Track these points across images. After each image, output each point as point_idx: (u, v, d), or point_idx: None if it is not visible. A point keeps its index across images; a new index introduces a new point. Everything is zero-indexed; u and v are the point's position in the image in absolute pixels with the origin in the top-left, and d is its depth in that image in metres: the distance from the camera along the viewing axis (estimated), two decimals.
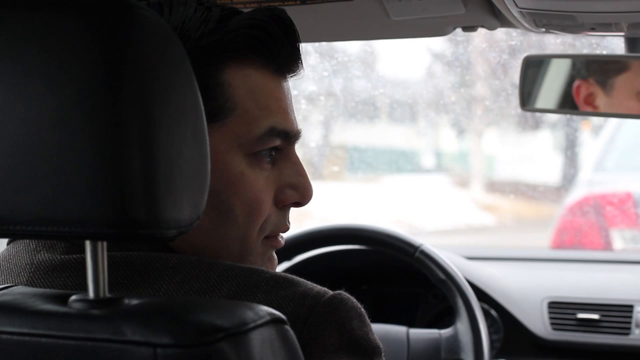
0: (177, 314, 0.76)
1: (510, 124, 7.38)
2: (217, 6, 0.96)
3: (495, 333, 1.99)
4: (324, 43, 2.99)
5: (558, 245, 4.38)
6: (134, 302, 0.78)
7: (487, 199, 8.00)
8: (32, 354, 0.76)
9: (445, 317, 2.03)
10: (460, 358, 1.78)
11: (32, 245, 0.95)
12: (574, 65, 1.57)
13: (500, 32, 3.07)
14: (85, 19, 0.73)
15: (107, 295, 0.78)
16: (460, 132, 7.92)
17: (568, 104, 1.57)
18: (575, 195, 4.63)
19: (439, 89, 6.12)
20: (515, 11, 1.37)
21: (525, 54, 1.59)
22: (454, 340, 1.80)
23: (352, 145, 7.02)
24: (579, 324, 1.99)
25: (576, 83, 1.55)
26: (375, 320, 1.57)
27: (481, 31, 1.55)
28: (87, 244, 0.77)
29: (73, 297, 0.78)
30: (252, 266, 0.92)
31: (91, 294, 0.77)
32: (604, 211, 4.38)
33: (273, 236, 1.01)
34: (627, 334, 1.96)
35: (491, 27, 1.53)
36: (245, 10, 0.98)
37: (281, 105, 0.98)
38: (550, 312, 2.01)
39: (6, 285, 0.86)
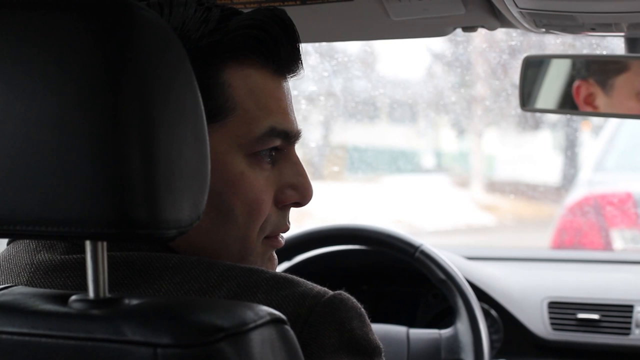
0: (177, 314, 0.76)
1: (510, 124, 7.38)
2: (217, 6, 0.96)
3: (495, 333, 1.99)
4: (324, 43, 2.99)
5: (558, 245, 4.38)
6: (134, 302, 0.78)
7: (487, 199, 8.00)
8: (32, 354, 0.76)
9: (445, 317, 2.03)
10: (460, 358, 1.78)
11: (32, 245, 0.95)
12: (574, 66, 1.57)
13: (500, 33, 3.07)
14: (85, 19, 0.73)
15: (107, 295, 0.78)
16: (460, 132, 7.92)
17: (568, 104, 1.57)
18: (575, 195, 4.63)
19: (439, 89, 6.12)
20: (515, 11, 1.37)
21: (525, 54, 1.60)
22: (454, 340, 1.80)
23: (352, 145, 7.02)
24: (579, 324, 1.99)
25: (576, 83, 1.55)
26: (375, 320, 1.57)
27: (481, 31, 1.55)
28: (87, 244, 0.77)
29: (73, 297, 0.78)
30: (252, 266, 0.92)
31: (91, 294, 0.77)
32: (604, 211, 4.38)
33: (273, 236, 1.01)
34: (627, 334, 1.96)
35: (491, 28, 1.53)
36: (245, 11, 0.98)
37: (281, 106, 0.98)
38: (550, 312, 2.01)
39: (6, 285, 0.86)
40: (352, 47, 4.44)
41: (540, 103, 1.61)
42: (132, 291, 0.88)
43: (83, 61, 0.73)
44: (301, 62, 1.01)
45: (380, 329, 1.83)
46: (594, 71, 1.56)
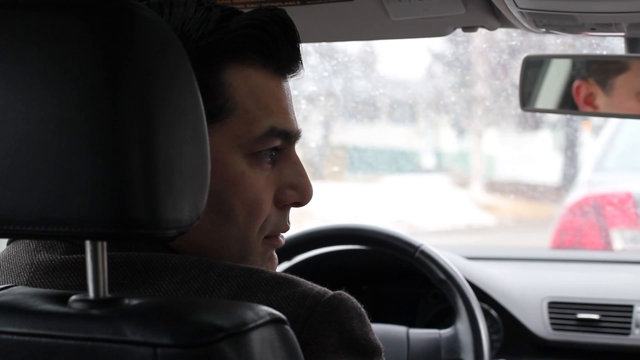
0: (177, 314, 0.76)
1: (510, 124, 7.38)
2: (217, 6, 0.96)
3: (495, 333, 1.99)
4: (324, 43, 2.99)
5: (558, 245, 4.38)
6: (134, 302, 0.78)
7: (487, 199, 8.00)
8: (32, 354, 0.76)
9: (445, 317, 2.03)
10: (460, 358, 1.78)
11: (32, 245, 0.95)
12: (574, 66, 1.57)
13: (500, 33, 3.07)
14: (85, 19, 0.73)
15: (107, 295, 0.78)
16: (460, 132, 7.92)
17: (568, 104, 1.57)
18: (575, 195, 4.63)
19: (439, 89, 6.12)
20: (515, 11, 1.37)
21: (525, 54, 1.59)
22: (454, 340, 1.80)
23: (352, 145, 7.02)
24: (579, 324, 1.99)
25: (576, 83, 1.55)
26: (375, 320, 1.57)
27: (481, 31, 1.55)
28: (87, 244, 0.77)
29: (73, 297, 0.78)
30: (252, 266, 0.92)
31: (91, 294, 0.77)
32: (604, 211, 4.38)
33: (273, 236, 1.01)
34: (627, 334, 1.96)
35: (491, 28, 1.53)
36: (246, 11, 0.98)
37: (281, 106, 0.98)
38: (550, 312, 2.01)
39: (6, 285, 0.86)
40: (352, 47, 4.44)
41: (540, 103, 1.61)
42: (132, 291, 0.88)
43: (83, 61, 0.73)
44: (301, 62, 1.01)
45: (380, 329, 1.83)
46: (594, 71, 1.56)
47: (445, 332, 1.82)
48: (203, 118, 0.78)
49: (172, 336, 0.73)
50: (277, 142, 0.98)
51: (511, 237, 7.26)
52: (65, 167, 0.73)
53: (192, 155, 0.77)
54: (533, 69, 1.59)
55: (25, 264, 0.93)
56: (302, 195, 1.01)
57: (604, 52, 2.67)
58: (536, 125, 7.14)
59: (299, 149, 1.03)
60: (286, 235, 1.05)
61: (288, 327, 0.82)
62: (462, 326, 1.79)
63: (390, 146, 7.76)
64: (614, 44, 2.51)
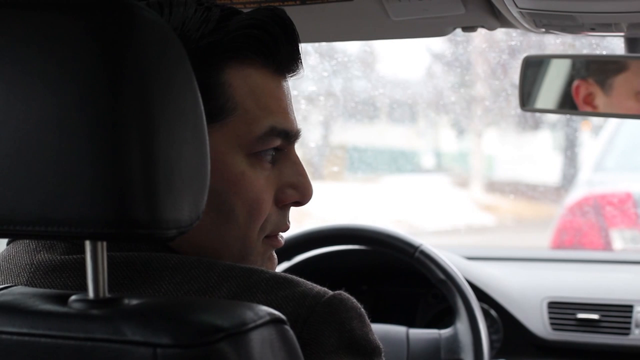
0: (177, 314, 0.76)
1: (510, 124, 7.38)
2: (217, 6, 0.96)
3: (495, 333, 1.99)
4: (323, 43, 2.99)
5: (558, 245, 4.39)
6: (134, 302, 0.78)
7: (487, 199, 8.00)
8: (32, 354, 0.76)
9: (445, 317, 2.03)
10: (460, 358, 1.78)
11: (32, 245, 0.95)
12: (573, 66, 1.57)
13: (500, 33, 3.07)
14: (85, 19, 0.73)
15: (107, 295, 0.78)
16: (460, 132, 7.92)
17: (568, 104, 1.57)
18: (575, 195, 4.64)
19: (439, 89, 6.12)
20: (515, 11, 1.37)
21: (525, 54, 1.59)
22: (454, 341, 1.80)
23: (352, 145, 7.02)
24: (579, 324, 1.99)
25: (575, 83, 1.55)
26: (375, 320, 1.57)
27: (481, 31, 1.55)
28: (87, 244, 0.77)
29: (73, 297, 0.78)
30: (252, 266, 0.92)
31: (91, 294, 0.77)
32: (604, 211, 4.38)
33: (273, 236, 1.01)
34: (627, 334, 1.96)
35: (491, 28, 1.53)
36: (245, 11, 0.98)
37: (281, 105, 0.98)
38: (550, 312, 2.01)
39: (6, 285, 0.86)
40: (352, 47, 4.44)
41: (540, 103, 1.61)
42: (132, 291, 0.88)
43: (83, 61, 0.73)
44: (301, 62, 1.01)
45: (380, 329, 1.83)
46: (594, 71, 1.56)
47: (445, 332, 1.82)
48: (203, 118, 0.78)
49: (172, 336, 0.73)
50: (277, 142, 0.98)
51: (511, 237, 7.26)
52: (65, 167, 0.73)
53: (192, 155, 0.77)
54: (533, 69, 1.59)
55: (25, 264, 0.93)
56: (302, 195, 1.01)
57: (604, 52, 2.67)
58: (536, 125, 7.14)
59: (299, 149, 1.03)
60: (286, 235, 1.05)
61: (288, 327, 0.82)
62: (461, 326, 1.79)
63: (390, 146, 7.76)
64: (614, 44, 2.51)
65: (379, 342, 0.93)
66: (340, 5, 1.42)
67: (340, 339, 0.89)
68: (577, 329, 1.99)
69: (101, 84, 0.72)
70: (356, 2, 1.42)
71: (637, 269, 2.39)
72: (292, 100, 1.02)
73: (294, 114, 1.01)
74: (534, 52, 2.16)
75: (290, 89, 1.01)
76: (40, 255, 0.93)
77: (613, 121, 4.58)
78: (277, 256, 1.05)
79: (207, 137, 0.79)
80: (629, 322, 1.96)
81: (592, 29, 1.45)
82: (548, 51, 3.76)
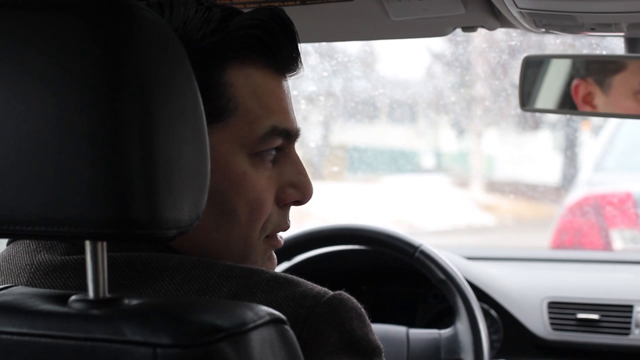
0: (176, 314, 0.76)
1: (510, 124, 7.38)
2: (217, 6, 0.96)
3: (495, 333, 1.99)
4: (323, 43, 2.99)
5: (558, 245, 4.39)
6: (134, 302, 0.78)
7: (487, 199, 8.00)
8: (32, 354, 0.76)
9: (445, 317, 2.03)
10: (460, 358, 1.78)
11: (32, 246, 0.95)
12: (573, 66, 1.57)
13: (500, 33, 3.07)
14: (85, 19, 0.73)
15: (107, 295, 0.78)
16: (460, 132, 7.92)
17: (568, 104, 1.57)
18: (575, 195, 4.64)
19: (439, 89, 6.12)
20: (515, 11, 1.37)
21: (525, 54, 1.59)
22: (454, 341, 1.80)
23: (352, 145, 7.02)
24: (579, 324, 1.99)
25: (575, 82, 1.55)
26: (375, 320, 1.57)
27: (481, 31, 1.55)
28: (87, 244, 0.77)
29: (73, 297, 0.78)
30: (252, 266, 0.93)
31: (91, 294, 0.77)
32: (604, 211, 4.38)
33: (273, 235, 1.01)
34: (627, 334, 1.96)
35: (491, 28, 1.53)
36: (245, 11, 0.98)
37: (282, 105, 0.99)
38: (550, 312, 2.01)
39: (6, 285, 0.86)
40: (352, 47, 4.44)
41: (540, 103, 1.61)
42: (132, 292, 0.88)
43: (83, 61, 0.73)
44: (301, 62, 1.01)
45: (380, 329, 1.83)
46: (593, 70, 1.56)
47: (445, 332, 1.82)
48: (203, 118, 0.78)
49: (172, 336, 0.73)
50: (279, 142, 0.98)
51: (511, 237, 7.26)
52: (65, 167, 0.73)
53: (192, 155, 0.77)
54: (533, 69, 1.59)
55: (25, 265, 0.93)
56: (302, 194, 1.01)
57: (604, 52, 2.67)
58: (536, 125, 7.14)
59: (299, 149, 1.03)
60: (286, 235, 1.05)
61: (288, 327, 0.82)
62: (462, 326, 1.79)
63: (390, 146, 7.77)
64: (614, 44, 2.51)
65: (379, 342, 0.93)
66: (340, 5, 1.42)
67: (341, 339, 0.89)
68: (577, 329, 1.99)
69: (101, 84, 0.72)
70: (356, 2, 1.42)
71: (637, 269, 2.39)
72: (292, 100, 1.02)
73: (294, 113, 1.01)
74: (534, 52, 2.16)
75: (290, 89, 1.02)
76: (41, 256, 0.93)
77: (613, 121, 4.58)
78: (277, 256, 1.05)
79: (207, 137, 0.79)
80: (629, 322, 1.96)
81: (592, 29, 1.45)
82: (548, 51, 3.76)
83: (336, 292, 0.91)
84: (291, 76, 1.01)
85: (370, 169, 7.49)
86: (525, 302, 2.03)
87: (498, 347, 1.99)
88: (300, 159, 1.02)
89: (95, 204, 0.72)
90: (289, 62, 0.99)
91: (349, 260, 2.07)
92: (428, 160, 8.59)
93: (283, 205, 1.01)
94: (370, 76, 5.39)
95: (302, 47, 1.01)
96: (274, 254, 1.03)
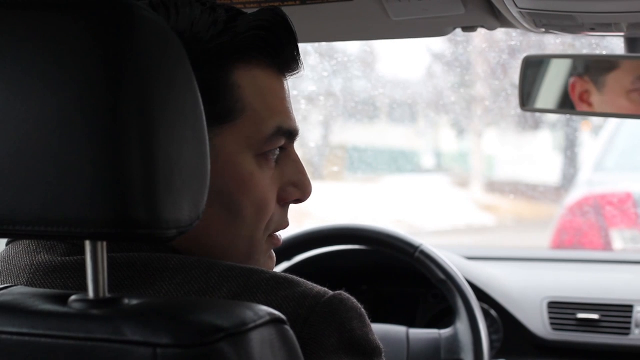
0: (176, 314, 0.76)
1: (510, 124, 7.38)
2: (220, 7, 0.96)
3: (495, 333, 1.99)
4: (323, 43, 2.99)
5: (558, 245, 4.38)
6: (134, 302, 0.78)
7: (487, 199, 8.00)
8: (32, 354, 0.76)
9: (445, 317, 2.03)
10: (460, 358, 1.78)
11: (32, 246, 0.95)
12: (573, 66, 1.57)
13: (500, 33, 3.07)
14: (85, 19, 0.73)
15: (107, 295, 0.78)
16: (460, 132, 7.92)
17: (568, 104, 1.57)
18: (575, 195, 4.63)
19: (439, 89, 6.12)
20: (515, 11, 1.37)
21: (525, 54, 1.59)
22: (454, 341, 1.80)
23: (352, 145, 7.02)
24: (579, 324, 1.99)
25: (571, 80, 1.55)
26: (375, 320, 1.57)
27: (481, 31, 1.55)
28: (87, 244, 0.77)
29: (73, 297, 0.78)
30: (253, 267, 0.93)
31: (91, 294, 0.77)
32: (604, 211, 4.38)
33: (273, 234, 1.02)
34: (627, 334, 1.96)
35: (491, 28, 1.53)
36: (246, 11, 0.98)
37: (285, 105, 1.00)
38: (550, 312, 2.01)
39: (6, 285, 0.86)
40: (352, 47, 4.44)
41: (540, 103, 1.61)
42: (133, 292, 0.88)
43: (83, 61, 0.73)
44: (301, 61, 1.02)
45: (380, 329, 1.83)
46: (588, 68, 1.56)
47: (445, 332, 1.82)
48: (203, 118, 0.79)
49: (172, 336, 0.73)
50: (282, 142, 0.99)
51: (511, 237, 7.26)
52: (65, 167, 0.73)
53: (192, 155, 0.77)
54: (533, 69, 1.59)
55: (25, 265, 0.93)
56: (303, 193, 1.02)
57: (604, 52, 2.67)
58: (536, 125, 7.14)
59: (299, 149, 1.04)
60: (286, 235, 1.06)
61: (288, 327, 0.82)
62: (462, 326, 1.79)
63: (390, 146, 7.77)
64: (614, 44, 2.51)
65: (379, 342, 0.93)
66: (340, 5, 1.42)
67: (341, 339, 0.89)
68: (577, 329, 1.99)
69: (101, 84, 0.72)
70: (356, 2, 1.42)
71: (637, 269, 2.39)
72: (292, 100, 1.03)
73: (294, 112, 1.02)
74: (534, 52, 2.15)
75: (290, 89, 1.03)
76: (41, 257, 0.93)
77: (613, 121, 4.58)
78: (277, 256, 1.06)
79: (207, 137, 0.79)
80: (629, 322, 1.96)
81: (592, 29, 1.45)
82: (548, 51, 3.76)
83: (336, 292, 0.91)
84: (292, 75, 1.02)
85: (370, 169, 7.49)
86: (525, 302, 2.03)
87: (498, 347, 1.99)
88: (300, 159, 1.03)
89: (95, 204, 0.72)
90: (291, 62, 1.00)
91: (349, 260, 2.07)
92: (428, 160, 8.59)
93: (284, 204, 1.02)
94: (370, 76, 5.39)
95: (302, 47, 1.02)
96: (273, 253, 1.04)
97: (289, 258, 1.97)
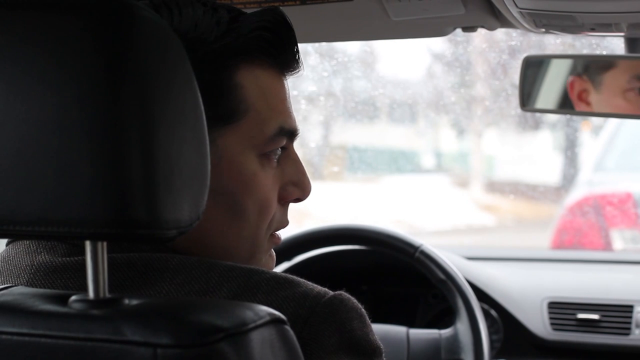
0: (176, 314, 0.76)
1: (510, 124, 7.38)
2: (222, 7, 0.97)
3: (495, 333, 1.99)
4: (323, 43, 2.99)
5: (558, 245, 4.38)
6: (134, 302, 0.78)
7: (487, 199, 8.00)
8: (32, 354, 0.76)
9: (445, 317, 2.03)
10: (460, 358, 1.78)
11: (33, 247, 0.95)
12: (573, 66, 1.57)
13: (500, 33, 3.07)
14: (85, 19, 0.73)
15: (107, 295, 0.78)
16: (460, 132, 7.93)
17: (567, 104, 1.57)
18: (575, 195, 4.63)
19: (439, 89, 6.12)
20: (515, 11, 1.37)
21: (525, 54, 1.59)
22: (454, 341, 1.80)
23: (352, 145, 7.02)
24: (579, 324, 1.99)
25: (570, 79, 1.55)
26: (375, 320, 1.57)
27: (481, 31, 1.55)
28: (87, 244, 0.77)
29: (73, 297, 0.78)
30: (253, 267, 0.93)
31: (91, 294, 0.77)
32: (604, 211, 4.37)
33: (274, 233, 1.02)
34: (627, 334, 1.96)
35: (491, 28, 1.53)
36: (245, 11, 0.98)
37: (286, 105, 1.00)
38: (550, 312, 2.01)
39: (6, 285, 0.86)
40: (352, 47, 4.44)
41: (540, 103, 1.61)
42: (134, 292, 0.88)
43: (83, 61, 0.73)
44: (301, 61, 1.02)
45: (380, 329, 1.83)
46: (587, 67, 1.56)
47: (445, 332, 1.82)
48: (203, 118, 0.79)
49: (172, 336, 0.73)
50: (284, 142, 1.00)
51: (511, 237, 7.26)
52: (65, 167, 0.73)
53: (192, 155, 0.77)
54: (533, 69, 1.59)
55: (26, 266, 0.93)
56: (302, 191, 1.03)
57: (604, 52, 2.67)
58: (536, 125, 7.14)
59: (299, 149, 1.04)
60: (286, 235, 1.06)
61: (288, 327, 0.82)
62: (462, 326, 1.79)
63: (390, 146, 7.77)
64: (614, 44, 2.51)
65: (380, 342, 0.93)
66: (340, 5, 1.42)
67: (341, 340, 0.89)
68: (577, 329, 1.99)
69: (101, 84, 0.72)
70: (356, 2, 1.42)
71: (637, 269, 2.39)
72: (292, 100, 1.03)
73: (293, 112, 1.02)
74: (534, 52, 2.15)
75: (290, 88, 1.03)
76: (41, 257, 0.93)
77: (613, 121, 4.58)
78: (278, 256, 1.06)
79: (207, 137, 0.79)
80: (629, 322, 1.96)
81: (592, 29, 1.45)
82: (548, 51, 3.75)
83: (336, 292, 0.92)
84: (292, 75, 1.02)
85: (370, 169, 7.49)
86: (525, 302, 2.03)
87: (498, 347, 1.99)
88: (300, 159, 1.04)
89: (95, 204, 0.72)
90: (292, 61, 1.00)
91: (349, 260, 2.07)
92: (428, 161, 8.59)
93: (284, 202, 1.03)
94: (370, 76, 5.39)
95: (302, 47, 1.02)
96: (273, 252, 1.05)
97: (289, 258, 1.97)
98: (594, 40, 2.70)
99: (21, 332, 0.76)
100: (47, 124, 0.73)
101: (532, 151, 7.82)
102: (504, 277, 2.12)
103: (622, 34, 1.47)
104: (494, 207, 7.85)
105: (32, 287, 0.91)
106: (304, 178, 1.02)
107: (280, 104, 0.99)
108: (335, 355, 0.88)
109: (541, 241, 5.32)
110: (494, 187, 8.21)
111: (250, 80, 0.96)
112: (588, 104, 1.54)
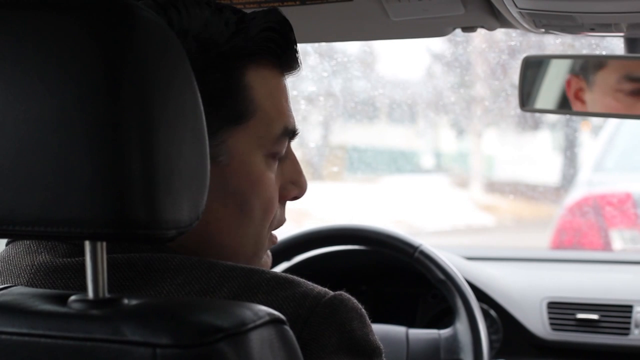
0: (176, 314, 0.76)
1: (509, 124, 7.39)
2: (227, 7, 0.97)
3: (494, 333, 1.99)
4: (323, 43, 2.99)
5: (557, 245, 4.38)
6: (134, 302, 0.78)
7: (487, 199, 8.00)
8: (32, 354, 0.76)
9: (444, 318, 2.03)
10: (459, 358, 1.78)
11: (33, 247, 0.95)
12: (573, 66, 1.57)
13: (500, 33, 3.07)
14: (84, 19, 0.73)
15: (107, 295, 0.78)
16: (460, 132, 7.93)
17: (566, 104, 1.57)
18: (575, 195, 4.63)
19: (439, 89, 6.13)
20: (514, 12, 1.37)
21: (524, 55, 1.59)
22: (454, 341, 1.80)
23: (351, 145, 7.03)
24: (579, 324, 1.99)
25: (567, 77, 1.55)
26: (375, 320, 1.57)
27: (481, 32, 1.55)
28: (87, 244, 0.77)
29: (72, 298, 0.78)
30: (253, 267, 0.93)
31: (90, 294, 0.77)
32: (604, 211, 4.38)
33: (272, 232, 1.03)
34: (627, 334, 1.96)
35: (491, 28, 1.53)
36: (246, 11, 0.99)
37: (287, 105, 1.02)
38: (549, 312, 2.01)
39: (6, 285, 0.86)
40: (351, 47, 4.44)
41: (540, 103, 1.61)
42: (134, 293, 0.88)
43: (83, 61, 0.73)
44: (300, 60, 1.03)
45: (379, 329, 1.83)
46: (583, 67, 1.56)
47: (445, 332, 1.82)
48: (203, 118, 0.79)
49: (171, 336, 0.73)
50: (287, 141, 1.00)
51: (511, 237, 7.26)
52: (65, 167, 0.73)
53: (191, 156, 0.77)
54: (532, 69, 1.59)
55: (26, 266, 0.93)
56: (300, 190, 1.04)
57: (604, 52, 2.67)
58: (536, 126, 7.14)
59: (298, 149, 1.05)
60: (286, 235, 1.07)
61: (287, 328, 0.82)
62: (461, 326, 1.79)
63: (389, 146, 7.77)
64: (614, 44, 2.51)
65: (379, 342, 0.93)
66: (340, 5, 1.42)
67: (341, 340, 0.89)
68: (576, 329, 1.99)
69: (101, 84, 0.72)
70: (356, 2, 1.42)
71: (637, 269, 2.39)
72: (292, 100, 1.04)
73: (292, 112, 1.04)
74: (533, 52, 2.15)
75: (290, 88, 1.04)
76: (42, 257, 0.93)
77: (612, 121, 4.58)
78: (278, 256, 1.07)
79: (207, 137, 0.79)
80: (629, 322, 1.96)
81: (592, 29, 1.45)
82: (548, 51, 3.76)
83: (336, 292, 0.92)
84: (291, 75, 1.03)
85: (370, 169, 7.49)
86: (524, 302, 2.03)
87: (498, 347, 1.99)
88: (300, 159, 1.05)
89: (95, 204, 0.72)
90: (293, 62, 1.01)
91: (349, 260, 2.07)
92: (428, 161, 8.59)
93: (283, 201, 1.04)
94: (370, 76, 5.40)
95: (302, 47, 1.03)
96: (269, 251, 1.05)
97: (288, 258, 1.97)
98: (593, 41, 2.70)
99: (21, 332, 0.76)
100: (47, 124, 0.73)
101: (532, 151, 7.82)
102: (504, 277, 2.12)
103: (621, 34, 1.47)
104: (493, 207, 7.85)
105: (33, 287, 0.91)
106: (301, 177, 1.03)
107: (283, 104, 1.00)
108: (335, 355, 0.88)
109: (541, 241, 5.32)
110: (493, 187, 8.21)
111: (258, 80, 0.97)
112: (583, 102, 1.54)
